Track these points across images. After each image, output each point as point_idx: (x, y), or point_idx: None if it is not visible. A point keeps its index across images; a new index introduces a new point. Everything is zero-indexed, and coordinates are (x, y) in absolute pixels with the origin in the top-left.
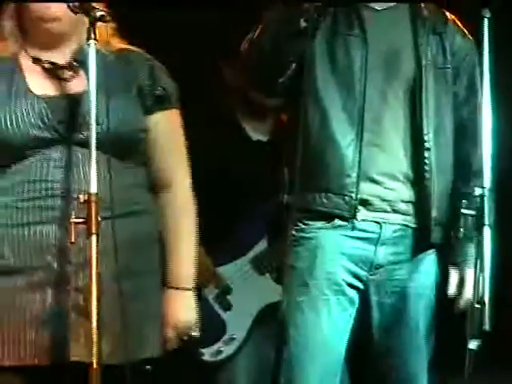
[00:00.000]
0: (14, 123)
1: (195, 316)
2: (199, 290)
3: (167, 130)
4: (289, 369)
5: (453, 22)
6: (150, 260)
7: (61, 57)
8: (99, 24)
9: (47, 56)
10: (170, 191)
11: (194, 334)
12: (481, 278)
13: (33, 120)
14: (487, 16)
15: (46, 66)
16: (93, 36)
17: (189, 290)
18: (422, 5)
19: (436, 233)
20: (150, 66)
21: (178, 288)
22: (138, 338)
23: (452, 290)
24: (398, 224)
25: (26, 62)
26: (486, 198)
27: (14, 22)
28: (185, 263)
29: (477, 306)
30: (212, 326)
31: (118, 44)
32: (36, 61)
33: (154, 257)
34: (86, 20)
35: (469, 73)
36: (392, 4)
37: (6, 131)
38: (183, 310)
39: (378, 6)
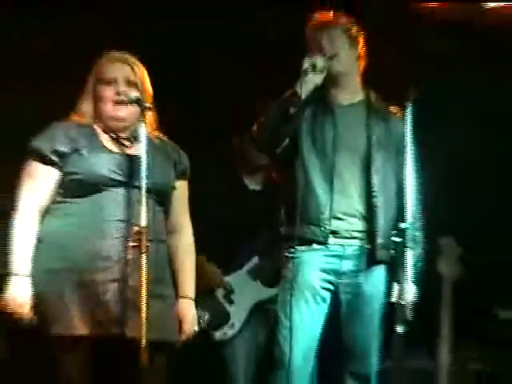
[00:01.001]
0: (98, 167)
1: (195, 318)
2: (213, 290)
3: (183, 191)
4: (280, 346)
5: (396, 112)
6: (168, 274)
7: (123, 132)
8: (149, 116)
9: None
10: (181, 234)
11: (196, 328)
12: (404, 286)
13: (111, 166)
14: (409, 106)
15: (113, 136)
16: (143, 119)
17: (192, 299)
18: (376, 102)
19: (381, 253)
20: (177, 150)
21: (186, 297)
22: (163, 327)
23: (394, 298)
24: (356, 245)
25: (98, 129)
26: (408, 230)
27: (91, 107)
28: (189, 282)
29: (402, 303)
30: (220, 315)
31: (156, 132)
32: (105, 132)
33: (168, 272)
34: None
35: (405, 147)
36: (354, 101)
37: (94, 172)
38: (189, 314)
39: (344, 102)
